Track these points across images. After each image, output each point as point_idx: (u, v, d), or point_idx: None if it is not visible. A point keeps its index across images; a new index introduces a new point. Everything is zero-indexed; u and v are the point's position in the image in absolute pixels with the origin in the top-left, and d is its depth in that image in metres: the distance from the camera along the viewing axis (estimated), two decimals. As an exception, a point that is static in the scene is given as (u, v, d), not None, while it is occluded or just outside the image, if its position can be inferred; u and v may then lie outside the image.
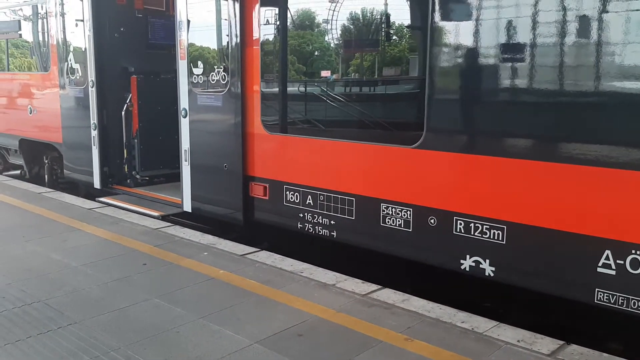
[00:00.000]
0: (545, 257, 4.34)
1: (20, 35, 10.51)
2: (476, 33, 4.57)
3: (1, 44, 11.08)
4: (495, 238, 4.56)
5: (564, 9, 4.07)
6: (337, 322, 4.37)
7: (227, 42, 6.52)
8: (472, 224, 4.68)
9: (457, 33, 4.68)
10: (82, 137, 8.84)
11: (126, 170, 8.84)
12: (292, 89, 6.25)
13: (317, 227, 5.88)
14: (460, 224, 4.76)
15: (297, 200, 6.02)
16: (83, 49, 8.60)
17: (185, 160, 7.19)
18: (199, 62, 6.88)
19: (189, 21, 6.94)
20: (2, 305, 4.68)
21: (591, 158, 4.03)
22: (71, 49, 8.91)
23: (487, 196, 4.59)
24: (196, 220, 7.50)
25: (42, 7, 9.60)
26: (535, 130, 4.34)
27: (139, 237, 6.64)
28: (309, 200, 5.91)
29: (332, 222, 5.74)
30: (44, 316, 4.48)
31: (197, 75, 6.90)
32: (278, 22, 6.17)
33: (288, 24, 6.13)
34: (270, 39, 6.24)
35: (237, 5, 6.30)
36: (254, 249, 6.15)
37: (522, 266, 4.47)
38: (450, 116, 4.84)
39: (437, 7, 4.73)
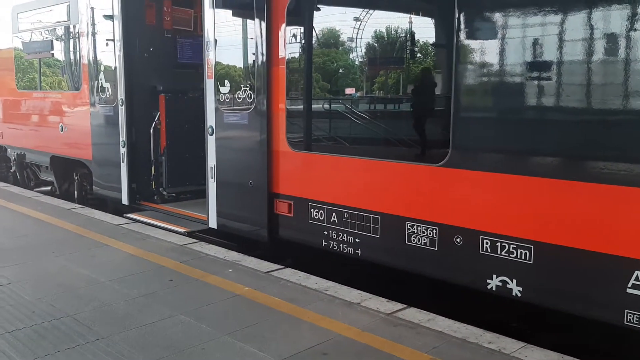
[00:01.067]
0: (573, 278, 4.27)
1: (53, 54, 10.80)
2: (502, 51, 4.56)
3: (34, 63, 11.40)
4: (523, 258, 4.50)
5: (592, 27, 4.05)
6: (362, 341, 4.35)
7: (254, 61, 6.61)
8: (498, 244, 4.64)
9: (482, 51, 4.68)
10: (111, 155, 9.01)
11: (153, 186, 8.97)
12: (316, 106, 6.30)
13: (341, 245, 5.88)
14: (487, 243, 4.71)
15: (322, 218, 6.04)
16: (113, 68, 8.80)
17: (211, 177, 7.27)
18: (226, 81, 6.98)
19: (216, 41, 7.06)
20: (32, 319, 4.77)
21: (621, 177, 3.98)
22: (102, 68, 9.12)
23: (514, 215, 4.55)
24: (221, 236, 7.56)
25: (74, 27, 9.87)
26: (562, 149, 4.30)
27: (165, 253, 6.71)
28: (334, 217, 5.92)
29: (356, 240, 5.73)
30: (73, 331, 4.55)
31: (224, 93, 7.00)
32: (303, 41, 6.24)
33: (313, 42, 6.20)
34: (296, 57, 6.31)
35: (264, 25, 6.39)
36: (278, 266, 6.16)
37: (550, 286, 4.41)
38: (476, 135, 4.82)
39: (462, 26, 4.74)
